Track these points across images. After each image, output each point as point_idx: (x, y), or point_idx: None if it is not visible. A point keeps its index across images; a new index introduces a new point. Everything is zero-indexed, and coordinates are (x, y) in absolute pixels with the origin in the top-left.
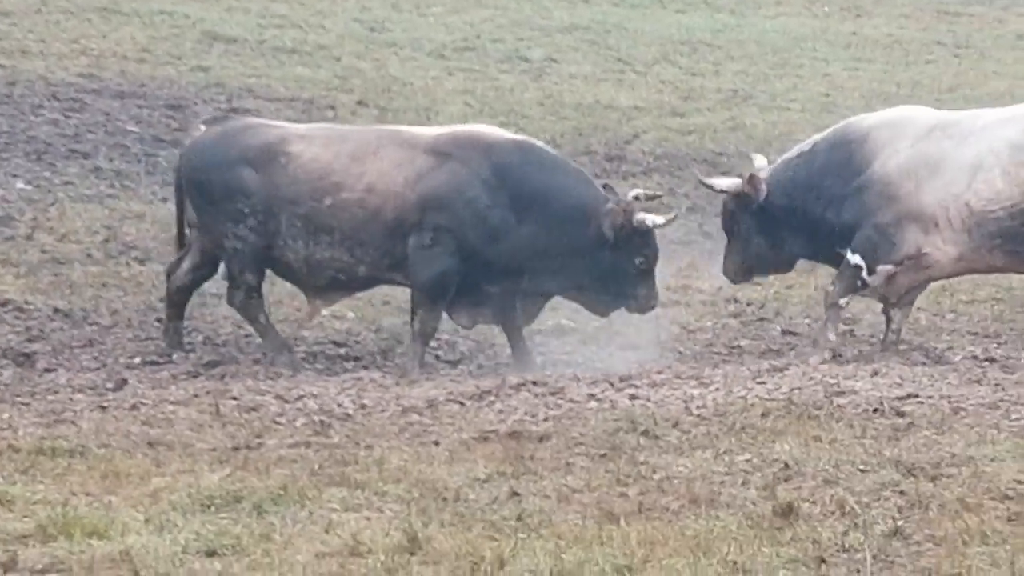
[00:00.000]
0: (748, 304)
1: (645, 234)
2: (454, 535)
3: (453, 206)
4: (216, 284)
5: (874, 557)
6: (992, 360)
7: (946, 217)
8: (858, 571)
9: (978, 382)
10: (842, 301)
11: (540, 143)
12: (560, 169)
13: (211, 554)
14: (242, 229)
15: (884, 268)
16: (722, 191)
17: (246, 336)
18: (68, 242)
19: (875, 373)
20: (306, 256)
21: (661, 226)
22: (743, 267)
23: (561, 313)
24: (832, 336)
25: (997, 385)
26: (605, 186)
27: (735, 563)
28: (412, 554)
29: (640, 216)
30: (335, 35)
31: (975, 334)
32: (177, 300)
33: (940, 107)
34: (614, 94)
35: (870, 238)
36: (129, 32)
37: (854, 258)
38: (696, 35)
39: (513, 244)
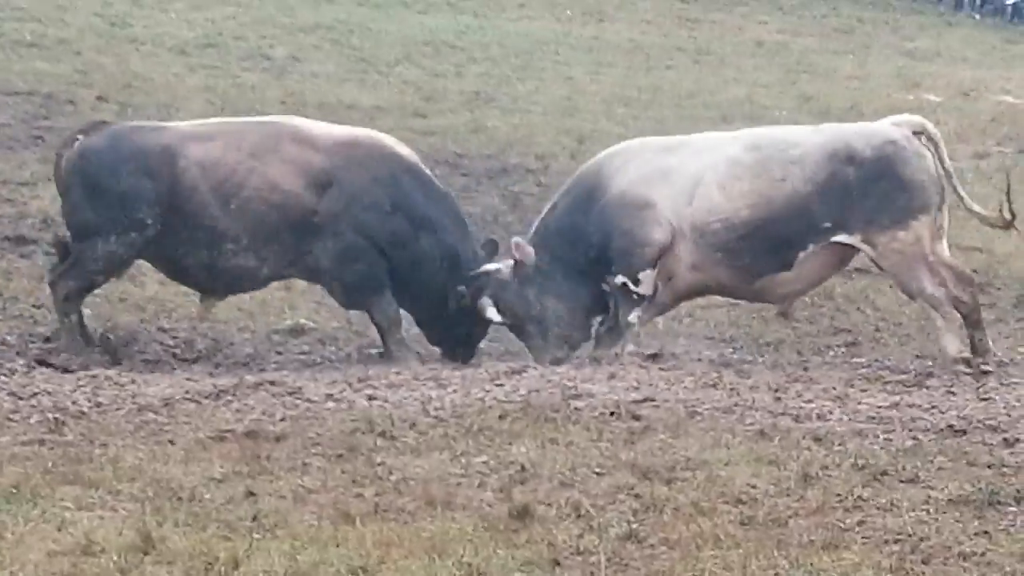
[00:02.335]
0: None
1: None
2: (188, 535)
3: (355, 209)
4: None
5: (608, 560)
6: (727, 365)
7: (679, 227)
8: (592, 574)
9: (714, 386)
10: (632, 318)
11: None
12: (450, 205)
13: None
14: (134, 237)
15: (645, 273)
16: (498, 269)
17: None
18: None
19: (612, 376)
20: (209, 264)
21: (500, 323)
22: (557, 344)
23: (300, 312)
24: (626, 352)
25: (732, 389)
26: (490, 241)
27: (470, 565)
28: (146, 553)
29: (482, 305)
30: (76, 29)
31: (711, 339)
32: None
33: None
34: (356, 94)
35: (621, 247)
36: None
37: (618, 279)
38: (439, 36)
39: (406, 255)
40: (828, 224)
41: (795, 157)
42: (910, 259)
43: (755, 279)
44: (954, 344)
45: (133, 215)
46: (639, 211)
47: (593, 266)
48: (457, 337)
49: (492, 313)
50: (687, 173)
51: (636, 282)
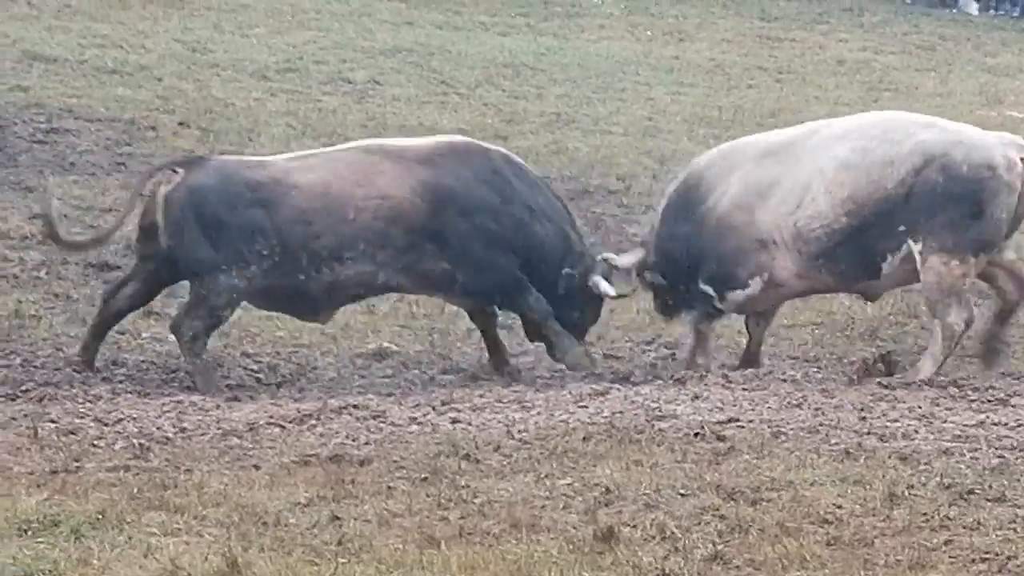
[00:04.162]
0: None
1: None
2: (274, 560)
3: (469, 208)
4: (33, 307)
5: None
6: (812, 384)
7: (781, 237)
8: None
9: (798, 406)
10: (702, 326)
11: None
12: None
13: None
14: (253, 270)
15: (734, 295)
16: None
17: (64, 358)
18: None
19: (696, 397)
20: (331, 281)
21: (612, 296)
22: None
23: (383, 336)
24: (702, 360)
25: (817, 409)
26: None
27: None
28: None
29: (595, 283)
30: (157, 55)
31: (796, 358)
32: (108, 322)
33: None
34: (437, 116)
35: (715, 269)
36: None
37: (704, 288)
38: (519, 58)
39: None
40: (902, 228)
41: (892, 157)
42: (948, 287)
43: (853, 283)
44: (928, 370)
45: (251, 247)
46: (741, 237)
47: (690, 268)
48: (568, 324)
49: (606, 287)
50: (794, 182)
51: (722, 300)
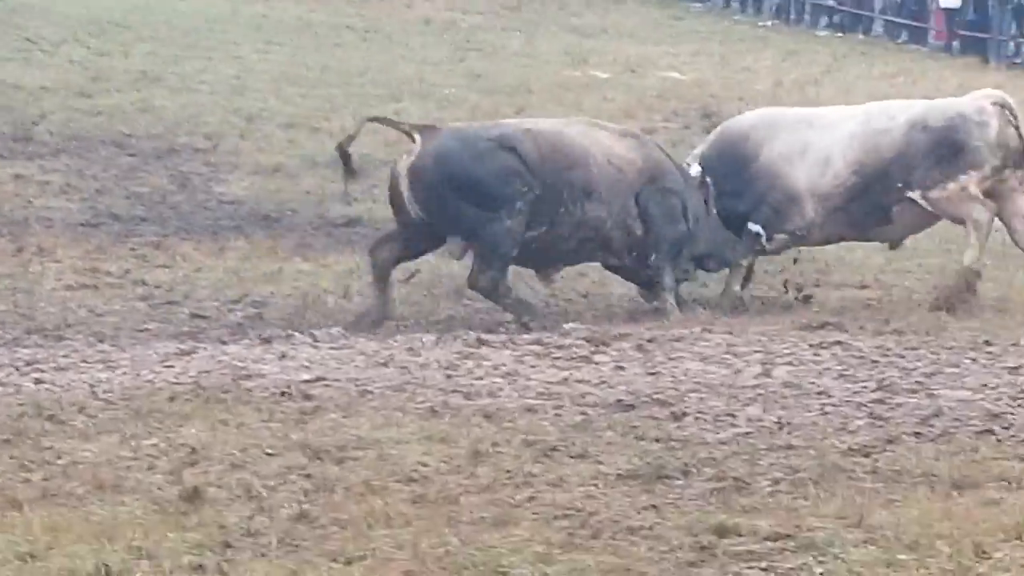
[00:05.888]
0: (157, 287)
1: None
2: None
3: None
4: None
5: (279, 541)
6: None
7: (810, 194)
8: (263, 555)
9: (385, 365)
10: (743, 261)
11: None
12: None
13: None
14: (517, 208)
15: (781, 236)
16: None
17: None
18: None
19: (283, 356)
20: (579, 221)
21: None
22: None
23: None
24: (736, 288)
25: (403, 368)
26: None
27: (140, 549)
28: None
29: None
30: None
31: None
32: (385, 273)
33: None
34: (20, 74)
35: (767, 214)
36: None
37: (755, 227)
38: (105, 15)
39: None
40: (900, 184)
41: (887, 127)
42: (956, 202)
43: (868, 231)
44: (970, 257)
45: (512, 188)
46: (787, 187)
47: (738, 216)
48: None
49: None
50: (820, 148)
51: (770, 239)
